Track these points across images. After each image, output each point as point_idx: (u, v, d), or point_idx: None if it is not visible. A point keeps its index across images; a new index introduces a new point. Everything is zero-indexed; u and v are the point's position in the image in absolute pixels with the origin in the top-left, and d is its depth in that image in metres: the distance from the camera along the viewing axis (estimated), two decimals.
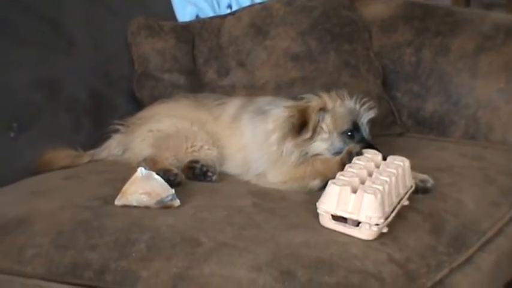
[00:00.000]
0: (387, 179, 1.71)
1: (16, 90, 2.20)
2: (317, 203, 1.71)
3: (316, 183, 1.95)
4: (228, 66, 2.45)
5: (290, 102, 2.06)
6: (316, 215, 1.77)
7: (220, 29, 2.51)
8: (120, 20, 2.47)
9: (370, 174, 1.76)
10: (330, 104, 2.00)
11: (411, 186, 1.84)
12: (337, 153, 1.97)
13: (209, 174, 2.04)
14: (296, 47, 2.47)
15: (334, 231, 1.69)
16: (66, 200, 1.91)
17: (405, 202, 1.80)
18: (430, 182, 1.92)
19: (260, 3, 2.64)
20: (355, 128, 1.99)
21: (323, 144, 1.99)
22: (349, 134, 1.98)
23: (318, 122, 1.98)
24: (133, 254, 1.69)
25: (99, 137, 2.25)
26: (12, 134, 2.16)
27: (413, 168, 1.90)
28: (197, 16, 2.66)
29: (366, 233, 1.66)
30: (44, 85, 2.25)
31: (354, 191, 1.67)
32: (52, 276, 1.71)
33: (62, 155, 2.20)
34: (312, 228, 1.73)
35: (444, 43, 2.52)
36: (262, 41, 2.48)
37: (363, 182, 1.71)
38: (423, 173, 1.92)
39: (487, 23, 2.54)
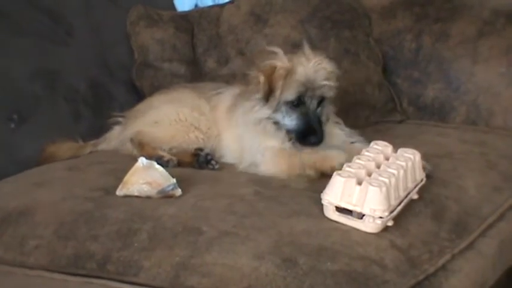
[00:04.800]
0: (395, 172, 1.68)
1: (15, 82, 2.20)
2: (321, 194, 1.69)
3: (311, 173, 1.93)
4: (228, 55, 2.45)
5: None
6: (318, 202, 1.76)
7: (219, 18, 2.50)
8: (119, 9, 2.47)
9: (378, 166, 1.72)
10: (293, 69, 1.93)
11: (421, 180, 1.80)
12: (280, 122, 1.95)
13: (213, 162, 2.05)
14: (296, 35, 2.46)
15: (332, 220, 1.68)
16: (67, 191, 1.90)
17: (414, 196, 1.77)
18: (428, 169, 1.91)
19: None
20: (300, 100, 1.94)
21: (267, 110, 1.96)
22: (294, 104, 1.93)
23: (271, 82, 1.93)
24: (136, 244, 1.68)
25: (99, 127, 2.25)
26: (12, 125, 2.16)
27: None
28: (196, 5, 2.65)
29: (369, 226, 1.64)
30: (43, 76, 2.25)
31: (359, 183, 1.64)
32: (54, 267, 1.71)
33: (64, 147, 2.20)
34: (313, 216, 1.73)
35: (444, 29, 2.51)
36: (262, 29, 2.47)
37: (369, 174, 1.68)
38: (424, 159, 1.90)
39: (487, 8, 2.53)
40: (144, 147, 2.06)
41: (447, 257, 1.71)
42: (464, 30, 2.49)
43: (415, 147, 1.95)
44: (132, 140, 2.11)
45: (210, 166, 2.05)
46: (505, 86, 2.41)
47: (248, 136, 2.02)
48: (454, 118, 2.44)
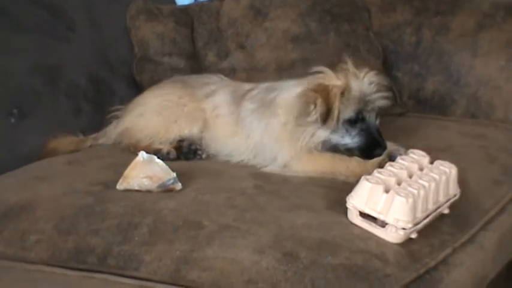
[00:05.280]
0: (426, 184, 1.64)
1: (16, 77, 2.19)
2: (347, 197, 1.66)
3: (350, 180, 1.86)
4: (228, 48, 2.44)
5: (300, 83, 1.97)
6: (319, 196, 1.76)
7: (219, 11, 2.50)
8: (119, 4, 2.46)
9: (410, 176, 1.68)
10: (347, 86, 1.88)
11: (454, 195, 1.75)
12: (340, 143, 1.89)
13: (199, 152, 2.04)
14: (296, 28, 2.45)
15: (355, 225, 1.65)
16: (68, 185, 1.90)
17: (445, 210, 1.73)
18: (401, 151, 1.89)
19: None
20: (360, 116, 1.89)
21: (325, 132, 1.90)
22: (353, 122, 1.89)
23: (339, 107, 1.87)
24: (136, 238, 1.68)
25: (100, 122, 2.25)
26: (12, 120, 2.15)
27: (414, 148, 1.89)
28: None
29: (391, 235, 1.61)
30: (43, 71, 2.25)
31: (387, 191, 1.60)
32: (55, 261, 1.70)
33: (65, 142, 2.20)
34: (314, 210, 1.72)
35: (444, 22, 2.50)
36: (262, 22, 2.47)
37: (399, 183, 1.64)
38: (425, 152, 1.89)
39: (487, 1, 2.53)
40: (135, 146, 2.05)
41: (448, 250, 1.70)
42: (464, 23, 2.48)
43: (416, 140, 1.95)
44: (121, 136, 2.10)
45: (198, 156, 2.04)
46: (504, 80, 2.40)
47: (271, 141, 1.97)
48: (454, 111, 2.44)
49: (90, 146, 2.22)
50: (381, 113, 1.88)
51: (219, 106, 2.06)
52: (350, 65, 1.91)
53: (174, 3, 2.64)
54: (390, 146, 1.91)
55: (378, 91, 1.89)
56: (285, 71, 2.39)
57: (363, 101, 1.87)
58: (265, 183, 1.85)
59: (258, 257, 1.57)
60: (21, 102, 2.17)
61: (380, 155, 1.84)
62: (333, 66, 2.29)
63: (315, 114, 1.87)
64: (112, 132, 2.19)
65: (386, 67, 2.51)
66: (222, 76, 2.16)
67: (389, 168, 1.69)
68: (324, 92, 1.87)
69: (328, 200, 1.76)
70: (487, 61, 2.42)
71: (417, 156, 1.75)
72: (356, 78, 1.88)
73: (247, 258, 1.58)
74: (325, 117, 1.86)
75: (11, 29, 2.20)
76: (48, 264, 1.69)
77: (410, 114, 2.46)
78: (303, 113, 1.89)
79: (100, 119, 2.23)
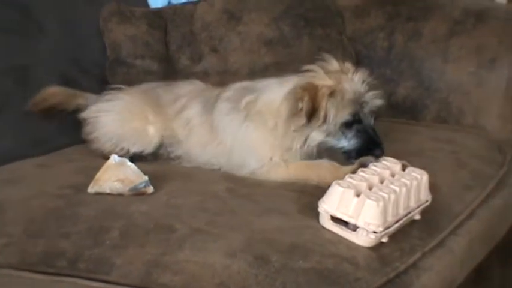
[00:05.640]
0: (397, 189, 1.64)
1: None
2: (318, 202, 1.66)
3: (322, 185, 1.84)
4: (201, 52, 2.44)
5: (285, 82, 1.91)
6: (291, 200, 1.76)
7: (193, 15, 2.49)
8: (92, 6, 2.45)
9: (381, 182, 1.68)
10: (338, 87, 1.83)
11: (426, 201, 1.76)
12: (337, 145, 1.86)
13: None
14: (269, 32, 2.46)
15: (327, 229, 1.65)
16: (38, 188, 1.88)
17: (416, 216, 1.74)
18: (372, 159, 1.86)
19: None
20: (356, 117, 1.84)
21: (320, 135, 1.86)
22: (349, 124, 1.84)
23: (319, 106, 1.82)
24: (107, 242, 1.67)
25: (71, 122, 2.23)
26: None
27: (385, 153, 1.90)
28: (169, 2, 2.64)
29: (362, 239, 1.61)
30: (13, 71, 2.23)
31: (358, 195, 1.60)
32: (24, 265, 1.68)
33: (58, 91, 2.18)
34: (286, 214, 1.72)
35: (416, 28, 2.52)
36: (235, 26, 2.47)
37: (370, 188, 1.64)
38: (395, 156, 1.90)
39: (458, 8, 2.55)
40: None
41: (418, 255, 1.72)
42: (436, 30, 2.50)
43: (387, 144, 1.96)
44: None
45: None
46: (474, 86, 2.42)
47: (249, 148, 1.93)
48: (426, 116, 2.45)
49: (77, 106, 2.20)
50: (377, 112, 1.85)
51: (192, 119, 2.03)
52: (337, 64, 1.86)
53: (148, 5, 2.62)
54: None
55: (370, 90, 1.85)
56: (258, 74, 2.38)
57: (358, 102, 1.83)
58: (238, 187, 1.85)
59: (230, 260, 1.57)
60: None
61: (380, 155, 1.80)
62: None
63: (301, 113, 1.82)
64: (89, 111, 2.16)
65: None
66: (195, 81, 2.14)
67: (361, 173, 1.69)
68: (312, 90, 1.83)
69: (300, 204, 1.77)
70: (457, 67, 2.44)
71: (389, 163, 1.75)
72: (349, 78, 1.84)
73: (219, 261, 1.57)
74: (310, 116, 1.82)
75: None
76: (17, 269, 1.67)
77: (382, 118, 2.46)
78: (292, 114, 1.84)
79: (71, 120, 2.21)
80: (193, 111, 2.03)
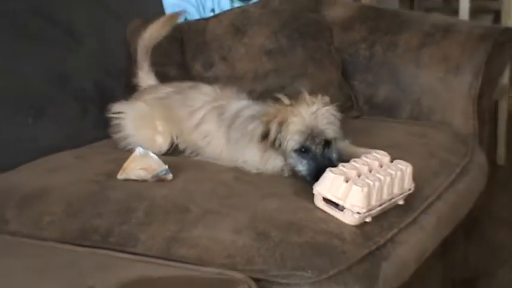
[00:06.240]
0: (382, 177, 1.62)
1: (34, 84, 2.16)
2: (313, 185, 1.65)
3: None
4: (212, 60, 2.43)
5: (262, 109, 1.84)
6: (288, 186, 1.75)
7: (205, 29, 2.48)
8: (120, 22, 2.44)
9: (370, 171, 1.66)
10: (288, 117, 1.74)
11: (409, 189, 1.74)
12: (294, 168, 1.76)
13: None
14: (269, 44, 2.45)
15: (320, 209, 1.64)
16: (75, 175, 1.89)
17: (400, 201, 1.72)
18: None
19: (238, 7, 2.62)
20: (307, 146, 1.74)
21: (280, 158, 1.79)
22: (302, 151, 1.74)
23: (276, 135, 1.75)
24: (133, 220, 1.68)
25: (104, 121, 2.20)
26: (30, 120, 2.12)
27: (368, 145, 1.89)
28: (186, 19, 2.62)
29: (348, 218, 1.61)
30: (56, 78, 2.22)
31: (347, 181, 1.60)
32: (65, 239, 1.69)
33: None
34: (284, 197, 1.72)
35: (393, 40, 2.50)
36: (241, 38, 2.46)
37: (359, 175, 1.63)
38: (375, 148, 1.89)
39: (428, 23, 2.53)
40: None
41: (395, 230, 1.71)
42: (409, 41, 2.49)
43: (369, 138, 1.95)
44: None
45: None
46: (442, 88, 2.40)
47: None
48: (401, 114, 2.44)
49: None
50: (334, 142, 1.77)
51: (208, 135, 1.96)
52: (306, 96, 1.77)
53: None
54: (357, 149, 1.86)
55: (326, 123, 1.75)
56: (260, 79, 2.38)
57: (306, 133, 1.73)
58: (243, 176, 1.84)
59: (236, 236, 1.57)
60: (37, 105, 2.15)
61: None
62: (301, 76, 2.30)
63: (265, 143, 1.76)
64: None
65: (345, 77, 2.52)
66: (205, 89, 2.06)
67: (352, 163, 1.68)
68: (269, 116, 1.77)
69: (295, 188, 1.76)
70: (428, 73, 2.42)
71: (379, 156, 1.74)
72: (306, 110, 1.74)
73: (227, 237, 1.57)
74: (261, 138, 1.76)
75: (29, 43, 2.18)
76: (59, 242, 1.68)
77: (364, 117, 2.47)
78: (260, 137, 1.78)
79: (103, 119, 2.18)
80: (210, 127, 1.96)
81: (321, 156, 1.74)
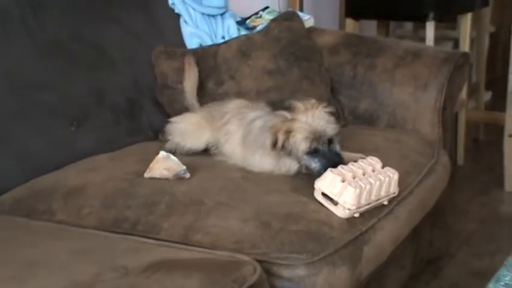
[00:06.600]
0: (372, 181, 1.62)
1: (75, 98, 2.14)
2: (315, 180, 1.63)
3: None
4: (222, 79, 2.41)
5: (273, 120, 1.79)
6: (287, 183, 1.73)
7: (216, 52, 2.47)
8: (145, 46, 2.41)
9: (364, 174, 1.65)
10: (293, 126, 1.71)
11: (393, 193, 1.73)
12: (308, 168, 1.72)
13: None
14: (270, 65, 2.43)
15: (318, 202, 1.62)
16: (109, 174, 1.87)
17: (385, 202, 1.71)
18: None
19: (244, 35, 2.60)
20: (316, 147, 1.70)
21: (293, 161, 1.74)
22: (313, 151, 1.71)
23: (284, 143, 1.71)
24: (157, 212, 1.66)
25: (133, 130, 2.22)
26: (73, 128, 2.10)
27: (353, 149, 1.87)
28: (200, 45, 2.61)
29: (340, 212, 1.59)
30: (93, 94, 2.20)
31: (343, 181, 1.58)
32: (101, 227, 1.67)
33: None
34: (283, 193, 1.70)
35: (372, 62, 2.48)
36: (246, 60, 2.44)
37: (354, 177, 1.62)
38: (359, 152, 1.87)
39: (400, 48, 2.51)
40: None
41: (375, 220, 1.70)
42: (386, 63, 2.47)
43: (354, 143, 1.93)
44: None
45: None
46: (413, 102, 2.38)
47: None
48: (379, 123, 2.42)
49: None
50: (336, 137, 1.73)
51: (228, 133, 1.93)
52: (298, 106, 1.74)
53: (185, 47, 2.60)
54: (350, 154, 1.83)
55: (326, 123, 1.72)
56: (262, 94, 2.36)
57: (311, 137, 1.70)
58: (249, 174, 1.81)
59: (243, 225, 1.56)
60: (79, 116, 2.12)
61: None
62: (296, 91, 2.27)
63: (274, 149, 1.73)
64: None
65: (333, 93, 2.50)
66: (237, 100, 2.05)
67: (350, 165, 1.66)
68: (276, 128, 1.73)
69: (293, 185, 1.74)
70: (401, 89, 2.41)
71: (373, 161, 1.72)
72: (305, 115, 1.71)
73: (235, 226, 1.56)
74: (273, 145, 1.73)
75: (70, 62, 2.15)
76: (96, 229, 1.66)
77: (349, 126, 2.45)
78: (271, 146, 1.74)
79: (133, 128, 2.19)
80: (232, 128, 1.94)
81: (328, 153, 1.71)
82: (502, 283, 1.42)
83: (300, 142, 1.71)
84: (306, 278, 1.48)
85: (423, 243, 2.28)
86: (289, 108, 1.79)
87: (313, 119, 1.72)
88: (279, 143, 1.72)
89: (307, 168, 1.75)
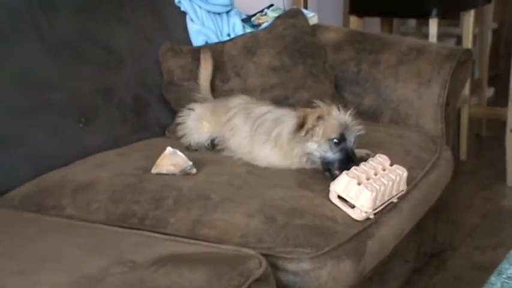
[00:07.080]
0: (386, 182, 1.62)
1: (83, 96, 2.14)
2: (331, 183, 1.62)
3: None
4: (228, 76, 2.41)
5: (299, 109, 1.80)
6: (292, 178, 1.73)
7: (222, 50, 2.46)
8: (152, 45, 2.41)
9: (375, 174, 1.65)
10: (326, 114, 1.73)
11: (402, 190, 1.73)
12: (324, 155, 1.72)
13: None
14: (275, 62, 2.43)
15: (334, 204, 1.61)
16: (117, 169, 1.87)
17: (394, 200, 1.72)
18: (371, 155, 1.81)
19: (250, 32, 2.59)
20: (342, 138, 1.71)
21: (314, 145, 1.74)
22: (336, 141, 1.71)
23: (313, 126, 1.72)
24: (165, 206, 1.66)
25: (140, 127, 2.22)
26: (81, 125, 2.11)
27: (357, 145, 1.85)
28: (206, 42, 2.60)
29: (356, 215, 1.59)
30: (101, 91, 2.20)
31: (359, 184, 1.58)
32: (109, 222, 1.67)
33: None
34: (288, 188, 1.70)
35: (376, 58, 2.47)
36: (252, 58, 2.44)
37: (368, 178, 1.61)
38: (364, 148, 1.87)
39: (404, 45, 2.49)
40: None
41: (378, 214, 1.69)
42: (389, 59, 2.46)
43: (358, 139, 1.91)
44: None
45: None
46: (416, 98, 2.37)
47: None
48: (383, 119, 2.41)
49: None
50: (357, 139, 1.75)
51: (234, 128, 1.93)
52: (333, 104, 1.78)
53: (191, 44, 2.59)
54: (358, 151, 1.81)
55: (355, 121, 1.75)
56: (267, 91, 2.36)
57: (344, 127, 1.72)
58: (254, 170, 1.81)
59: (249, 219, 1.55)
60: (86, 113, 2.13)
61: (349, 168, 1.67)
62: (301, 88, 2.26)
63: (301, 131, 1.72)
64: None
65: (337, 89, 2.49)
66: (244, 97, 2.05)
67: (362, 166, 1.66)
68: (305, 114, 1.75)
69: (298, 180, 1.73)
70: (405, 86, 2.39)
71: (382, 160, 1.72)
72: (334, 111, 1.74)
73: (241, 220, 1.56)
74: (299, 127, 1.73)
75: (78, 61, 2.16)
76: (104, 224, 1.66)
77: None
78: (295, 130, 1.75)
79: (140, 124, 2.19)
80: (237, 122, 1.94)
81: (348, 149, 1.72)
82: (504, 276, 1.42)
83: (331, 127, 1.71)
84: (310, 272, 1.48)
85: (427, 237, 2.27)
86: (293, 106, 1.80)
87: (345, 115, 1.75)
88: (308, 125, 1.71)
89: (321, 157, 1.73)
